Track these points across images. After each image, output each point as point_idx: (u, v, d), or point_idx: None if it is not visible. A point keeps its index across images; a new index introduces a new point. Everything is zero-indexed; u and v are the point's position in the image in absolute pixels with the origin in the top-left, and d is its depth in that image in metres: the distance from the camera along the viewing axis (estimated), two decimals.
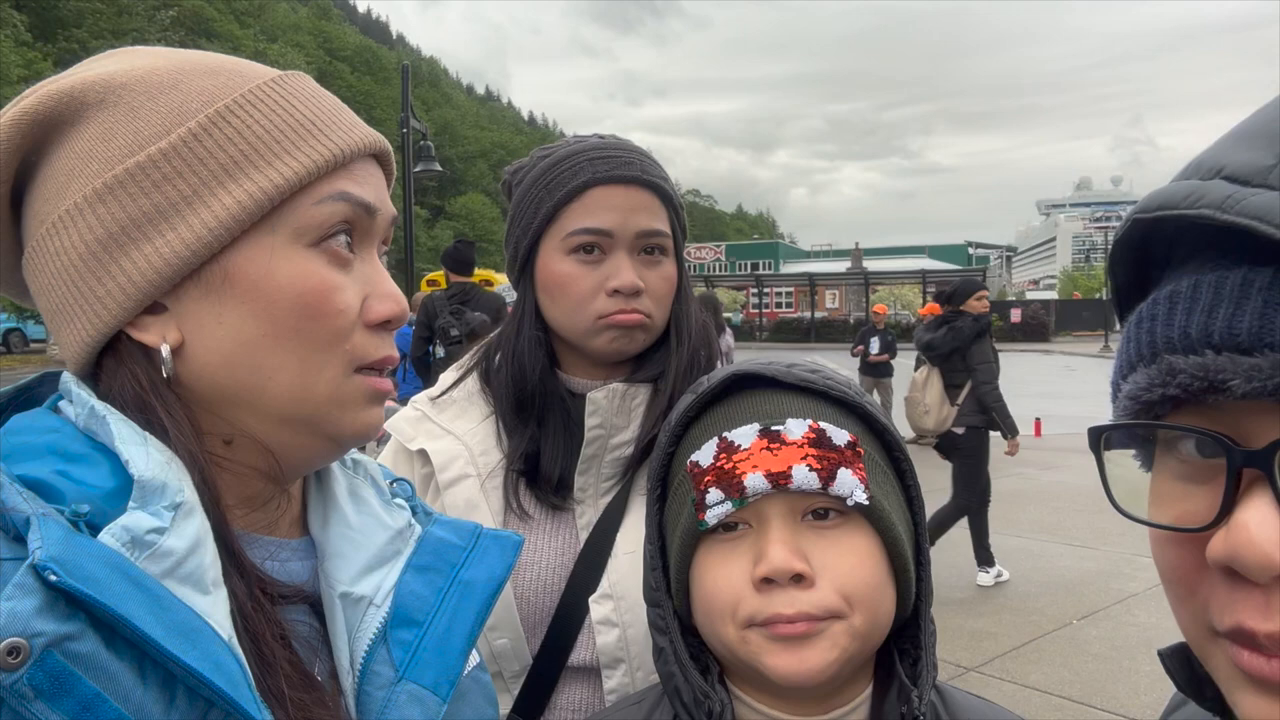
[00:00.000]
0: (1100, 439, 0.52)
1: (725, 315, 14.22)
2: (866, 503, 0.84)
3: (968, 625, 5.38)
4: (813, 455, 0.84)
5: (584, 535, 1.23)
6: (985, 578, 6.19)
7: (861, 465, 0.86)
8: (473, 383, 1.33)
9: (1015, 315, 44.16)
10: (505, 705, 1.20)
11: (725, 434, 0.87)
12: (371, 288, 0.71)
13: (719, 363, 1.27)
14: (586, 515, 1.24)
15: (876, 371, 12.54)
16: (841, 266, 65.25)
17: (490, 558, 0.79)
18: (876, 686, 0.89)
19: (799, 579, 0.82)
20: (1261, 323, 0.43)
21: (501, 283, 10.98)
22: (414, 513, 0.80)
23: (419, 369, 6.49)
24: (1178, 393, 0.46)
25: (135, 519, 0.58)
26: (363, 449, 0.84)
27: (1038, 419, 13.44)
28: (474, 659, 0.79)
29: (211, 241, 0.65)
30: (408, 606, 0.72)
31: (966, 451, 6.22)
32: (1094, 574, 6.42)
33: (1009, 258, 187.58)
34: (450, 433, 1.28)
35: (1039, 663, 4.88)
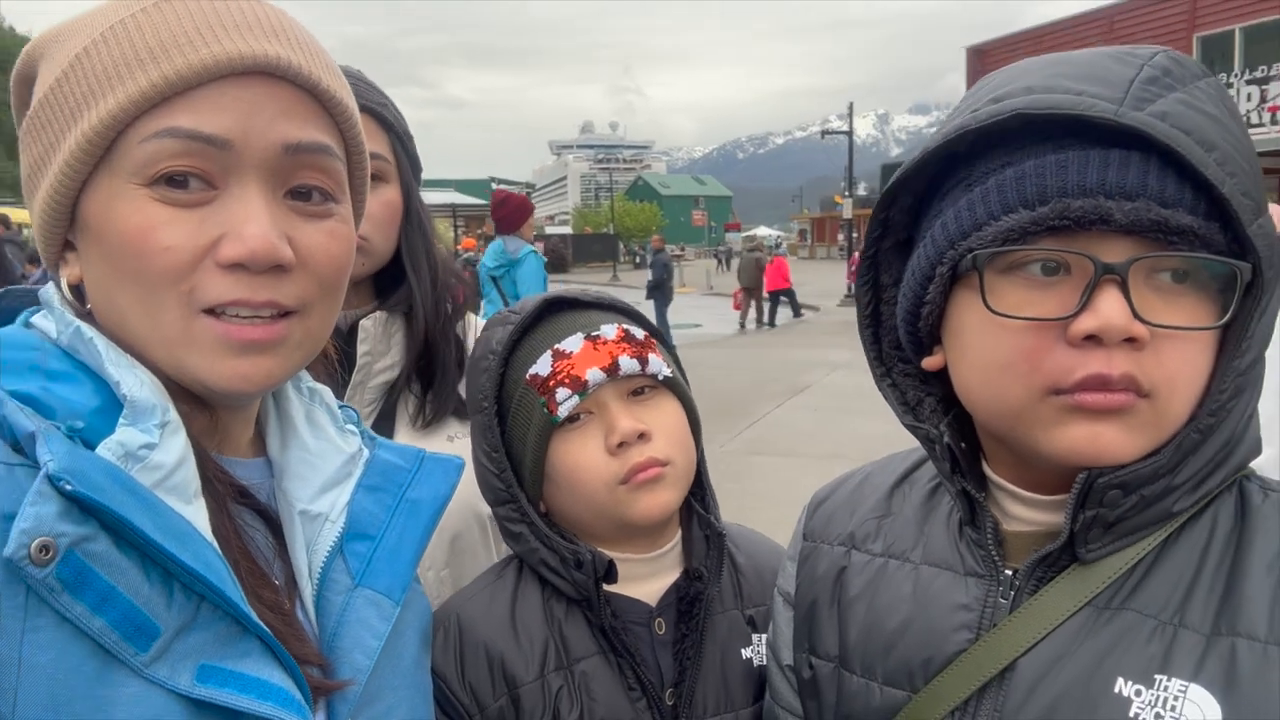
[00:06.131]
0: (975, 262, 0.75)
1: None
2: (671, 375, 1.13)
3: None
4: (628, 348, 1.10)
5: None
6: None
7: (659, 351, 1.14)
8: None
9: (540, 249, 46.93)
10: None
11: (556, 346, 1.10)
12: (229, 227, 0.68)
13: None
14: None
15: None
16: None
17: (434, 479, 0.88)
18: (683, 531, 1.18)
19: (642, 437, 1.07)
20: (1133, 179, 0.69)
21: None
22: (362, 437, 0.88)
23: None
24: (1068, 224, 0.70)
25: (128, 435, 0.65)
26: None
27: None
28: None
29: (64, 184, 0.69)
30: (361, 522, 0.82)
31: None
32: None
33: (529, 194, 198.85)
34: None
35: None
